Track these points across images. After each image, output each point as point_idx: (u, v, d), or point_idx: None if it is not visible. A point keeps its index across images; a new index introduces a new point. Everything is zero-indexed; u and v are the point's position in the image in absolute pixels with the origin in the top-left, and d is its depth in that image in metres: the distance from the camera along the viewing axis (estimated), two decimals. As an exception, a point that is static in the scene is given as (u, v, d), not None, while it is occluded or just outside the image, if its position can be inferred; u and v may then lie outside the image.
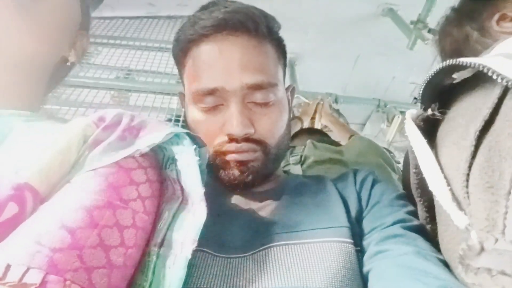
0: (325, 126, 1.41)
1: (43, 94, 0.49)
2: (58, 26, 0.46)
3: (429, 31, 1.40)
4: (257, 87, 0.46)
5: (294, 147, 1.08)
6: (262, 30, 0.48)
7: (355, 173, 0.55)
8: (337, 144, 1.12)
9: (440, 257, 0.38)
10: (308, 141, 1.05)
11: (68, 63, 0.52)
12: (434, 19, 1.37)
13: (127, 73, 1.33)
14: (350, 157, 0.96)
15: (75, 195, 0.31)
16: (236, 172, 0.47)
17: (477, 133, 0.32)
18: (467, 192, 0.31)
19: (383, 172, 0.89)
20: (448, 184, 0.34)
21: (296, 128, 1.37)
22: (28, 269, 0.25)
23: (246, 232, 0.44)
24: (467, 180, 0.32)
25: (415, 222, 0.43)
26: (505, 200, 0.28)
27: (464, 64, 0.35)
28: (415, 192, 0.42)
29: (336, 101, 1.71)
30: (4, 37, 0.40)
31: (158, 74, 1.29)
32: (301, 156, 1.00)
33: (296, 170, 0.96)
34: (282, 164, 1.06)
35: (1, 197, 0.29)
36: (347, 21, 1.67)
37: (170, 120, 1.04)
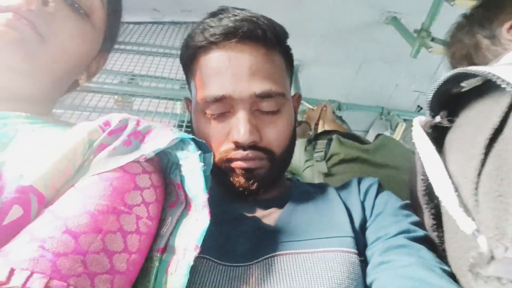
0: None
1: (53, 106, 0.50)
2: (71, 59, 0.45)
3: (433, 39, 1.40)
4: (265, 95, 0.46)
5: (316, 142, 1.06)
6: (271, 39, 0.48)
7: (359, 182, 0.55)
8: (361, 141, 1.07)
9: (445, 267, 0.37)
10: (335, 136, 1.01)
11: (78, 88, 0.53)
12: (438, 28, 1.38)
13: (131, 78, 1.34)
14: (378, 158, 0.93)
15: (79, 200, 0.31)
16: (241, 180, 0.47)
17: (487, 141, 0.32)
18: (477, 200, 0.31)
19: None
20: (456, 191, 0.33)
21: (305, 132, 1.36)
22: (31, 273, 0.25)
23: (250, 241, 0.43)
24: (477, 188, 0.31)
25: (419, 233, 0.43)
26: None
27: (474, 72, 0.35)
28: (422, 199, 0.42)
29: (339, 108, 1.71)
30: (12, 81, 0.40)
31: (162, 79, 1.29)
32: (326, 153, 0.97)
33: (321, 167, 0.94)
34: (305, 159, 1.02)
35: (5, 199, 0.28)
36: (350, 28, 1.67)
37: (180, 126, 1.04)
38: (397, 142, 1.05)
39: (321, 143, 1.03)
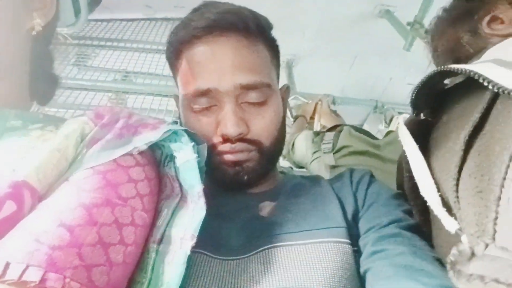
0: (324, 127, 1.41)
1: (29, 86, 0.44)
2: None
3: (426, 32, 1.40)
4: (250, 87, 0.46)
5: (324, 133, 1.05)
6: (253, 30, 0.48)
7: (351, 173, 0.55)
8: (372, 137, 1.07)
9: (436, 255, 0.38)
10: (345, 128, 1.00)
11: (34, 31, 0.41)
12: (431, 20, 1.38)
13: (125, 75, 1.33)
14: (388, 154, 0.92)
15: (73, 193, 0.31)
16: (231, 172, 0.47)
17: (467, 137, 0.32)
18: (457, 197, 0.31)
19: None
20: (439, 189, 0.34)
21: (302, 126, 1.36)
22: (27, 266, 0.25)
23: (243, 234, 0.43)
24: (457, 185, 0.32)
25: (411, 221, 0.43)
26: (495, 206, 0.28)
27: (455, 70, 0.35)
28: (409, 196, 0.42)
29: (333, 102, 1.70)
30: None
31: (155, 76, 1.29)
32: (334, 145, 0.97)
33: (328, 159, 0.93)
34: (312, 151, 1.01)
35: None
36: (344, 22, 1.68)
37: (175, 123, 1.03)
38: None
39: (329, 135, 1.03)
